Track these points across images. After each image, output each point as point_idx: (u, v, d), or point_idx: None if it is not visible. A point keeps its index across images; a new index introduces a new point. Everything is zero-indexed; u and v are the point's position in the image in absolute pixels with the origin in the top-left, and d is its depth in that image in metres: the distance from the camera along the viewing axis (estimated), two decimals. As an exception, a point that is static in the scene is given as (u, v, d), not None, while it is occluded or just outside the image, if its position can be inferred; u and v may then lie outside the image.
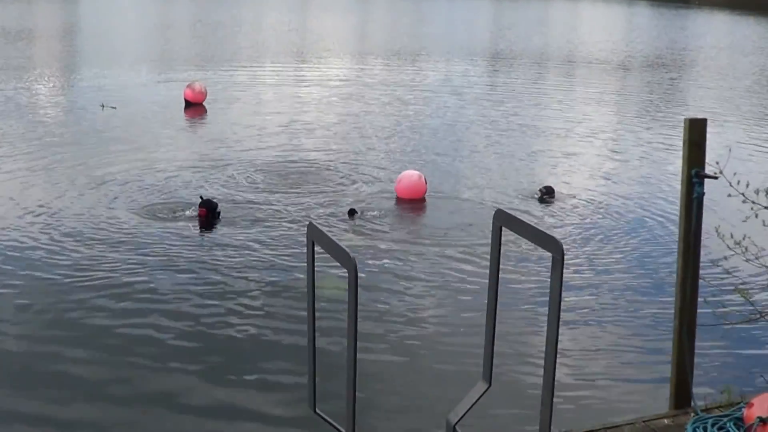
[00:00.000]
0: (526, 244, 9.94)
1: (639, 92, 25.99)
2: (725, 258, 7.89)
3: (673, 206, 12.04)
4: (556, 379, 3.94)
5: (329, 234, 3.96)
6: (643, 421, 5.76)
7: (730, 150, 8.02)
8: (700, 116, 6.15)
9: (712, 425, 5.37)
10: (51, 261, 9.93)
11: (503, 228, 4.29)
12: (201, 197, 11.95)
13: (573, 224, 11.92)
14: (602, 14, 65.41)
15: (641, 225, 12.03)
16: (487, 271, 4.58)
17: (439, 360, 7.85)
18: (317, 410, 4.35)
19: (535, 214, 12.19)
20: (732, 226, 6.15)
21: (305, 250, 4.59)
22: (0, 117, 18.29)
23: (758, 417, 5.09)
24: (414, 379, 7.53)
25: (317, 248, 4.09)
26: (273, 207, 12.22)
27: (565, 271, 3.88)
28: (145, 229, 11.11)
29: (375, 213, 12.04)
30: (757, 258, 6.26)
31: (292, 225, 11.42)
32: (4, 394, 7.06)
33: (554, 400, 3.96)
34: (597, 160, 16.09)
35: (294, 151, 15.84)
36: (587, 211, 12.59)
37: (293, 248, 10.50)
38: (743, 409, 5.34)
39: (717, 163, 5.92)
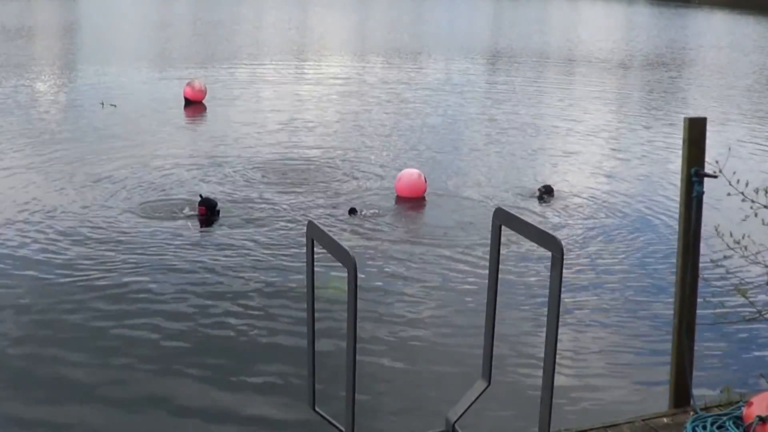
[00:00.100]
0: (525, 243, 9.95)
1: (639, 91, 25.98)
2: (725, 257, 7.88)
3: (673, 205, 12.03)
4: (555, 378, 3.94)
5: (329, 232, 3.96)
6: (643, 420, 5.76)
7: (729, 149, 8.04)
8: (699, 115, 6.14)
9: (712, 424, 5.37)
10: (47, 259, 9.89)
11: (503, 226, 4.28)
12: (200, 195, 11.95)
13: (573, 223, 11.92)
14: (602, 13, 65.40)
15: (641, 224, 12.02)
16: (487, 269, 4.58)
17: (439, 359, 7.84)
18: (316, 408, 4.35)
19: (534, 213, 12.19)
20: (732, 225, 6.14)
21: (305, 249, 4.59)
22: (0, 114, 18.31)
23: (757, 416, 5.09)
24: (413, 378, 7.52)
25: (317, 247, 4.09)
26: (273, 205, 12.21)
27: (564, 270, 3.87)
28: (144, 228, 11.09)
29: (375, 211, 12.04)
30: (756, 257, 6.25)
31: (291, 223, 11.42)
32: (-1, 395, 7.01)
33: (553, 399, 3.96)
34: (597, 159, 16.08)
35: (294, 149, 15.83)
36: (587, 209, 12.58)
37: (293, 247, 10.50)
38: (742, 408, 5.34)
39: (716, 161, 5.92)
